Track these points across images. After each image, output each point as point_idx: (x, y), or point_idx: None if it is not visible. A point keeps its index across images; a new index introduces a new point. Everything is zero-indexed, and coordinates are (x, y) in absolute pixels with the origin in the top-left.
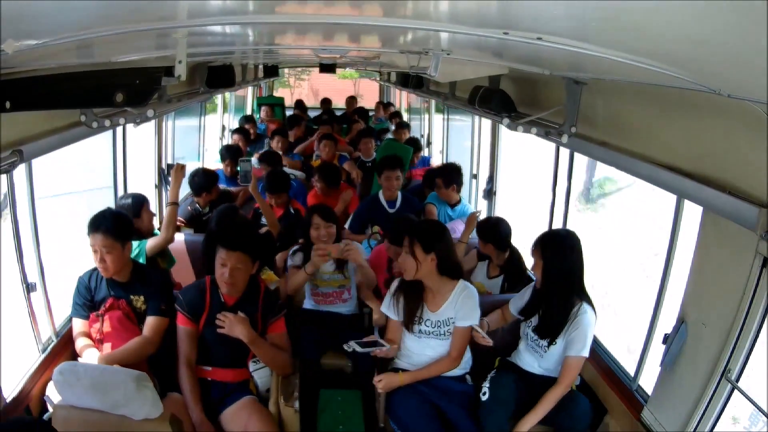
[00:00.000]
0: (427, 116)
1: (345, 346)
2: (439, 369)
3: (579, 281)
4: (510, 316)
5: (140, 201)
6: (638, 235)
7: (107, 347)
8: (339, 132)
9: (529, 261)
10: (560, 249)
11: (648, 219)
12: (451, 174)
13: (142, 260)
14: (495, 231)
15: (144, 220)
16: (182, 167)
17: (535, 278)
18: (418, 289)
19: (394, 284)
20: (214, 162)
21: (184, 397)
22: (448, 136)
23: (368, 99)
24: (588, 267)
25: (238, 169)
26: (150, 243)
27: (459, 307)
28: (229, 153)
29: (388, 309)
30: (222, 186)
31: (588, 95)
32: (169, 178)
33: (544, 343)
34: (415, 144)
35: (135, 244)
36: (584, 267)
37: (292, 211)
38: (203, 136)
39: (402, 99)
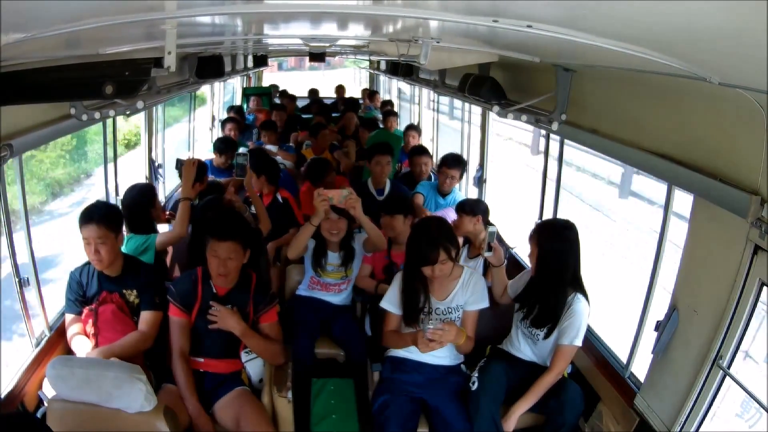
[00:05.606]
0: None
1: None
2: (464, 344)
3: (574, 271)
4: (508, 298)
5: (152, 190)
6: None
7: (102, 340)
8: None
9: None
10: (555, 238)
11: None
12: (458, 159)
13: (149, 256)
14: (480, 204)
15: (158, 209)
16: (194, 162)
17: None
18: (423, 281)
19: (397, 280)
20: (205, 152)
21: (179, 388)
22: (438, 124)
23: None
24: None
25: (233, 162)
26: (161, 238)
27: (471, 292)
28: (224, 145)
29: (394, 306)
30: (211, 177)
31: (578, 82)
32: (160, 171)
33: (538, 331)
34: (413, 128)
35: (142, 239)
36: (580, 257)
37: (280, 199)
38: (193, 127)
39: (392, 85)
